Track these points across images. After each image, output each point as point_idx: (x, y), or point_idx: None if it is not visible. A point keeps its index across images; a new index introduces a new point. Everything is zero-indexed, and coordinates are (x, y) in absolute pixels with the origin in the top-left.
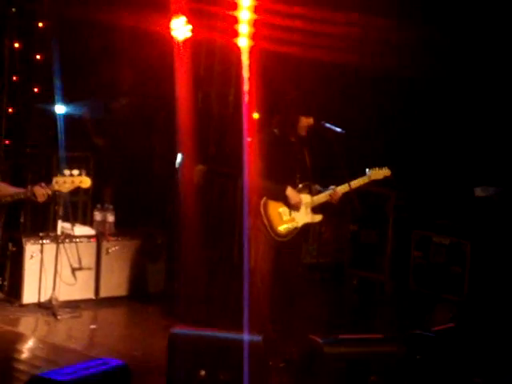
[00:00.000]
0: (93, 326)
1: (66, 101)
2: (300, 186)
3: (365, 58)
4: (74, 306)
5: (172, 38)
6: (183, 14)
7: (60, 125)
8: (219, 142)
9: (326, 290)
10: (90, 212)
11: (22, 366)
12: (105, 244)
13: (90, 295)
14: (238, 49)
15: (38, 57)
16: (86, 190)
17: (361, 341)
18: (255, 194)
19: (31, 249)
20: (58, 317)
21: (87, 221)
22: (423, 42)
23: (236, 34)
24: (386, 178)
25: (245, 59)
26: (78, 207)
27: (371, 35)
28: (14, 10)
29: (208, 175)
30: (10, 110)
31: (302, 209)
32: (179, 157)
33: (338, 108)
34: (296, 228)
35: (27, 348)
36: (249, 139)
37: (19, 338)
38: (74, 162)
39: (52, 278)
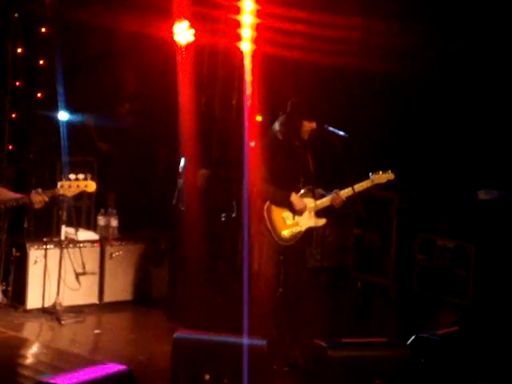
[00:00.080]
0: (97, 331)
1: (70, 109)
2: (303, 190)
3: (367, 62)
4: (77, 310)
5: (175, 42)
6: (186, 18)
7: (63, 130)
8: (222, 145)
9: (330, 293)
10: (93, 217)
11: (26, 372)
12: (108, 249)
13: (94, 300)
14: (241, 53)
15: (41, 62)
16: (89, 195)
17: (365, 344)
18: (259, 199)
19: (35, 254)
20: (62, 322)
21: (91, 225)
22: (426, 45)
23: (239, 38)
24: (389, 182)
25: (247, 63)
26: (82, 212)
27: (373, 39)
28: (16, 15)
29: (211, 179)
30: (14, 115)
31: (306, 213)
32: (182, 161)
33: (341, 111)
34: (300, 232)
35: (31, 353)
36: (252, 144)
37: (23, 343)
38: (77, 166)
39: (56, 283)
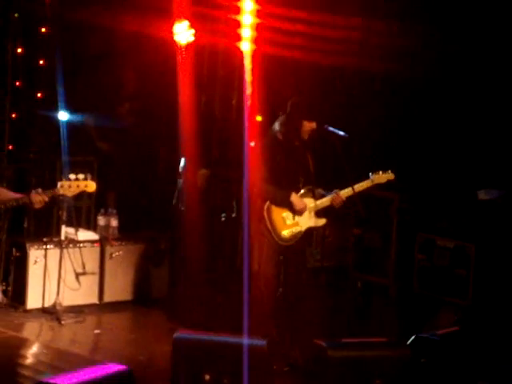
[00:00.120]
0: (97, 331)
1: (70, 109)
2: (303, 190)
3: (367, 62)
4: (77, 310)
5: (175, 42)
6: (186, 18)
7: (63, 130)
8: (222, 145)
9: (330, 293)
10: (93, 217)
11: (26, 372)
12: (108, 249)
13: (94, 300)
14: (241, 53)
15: (41, 62)
16: (89, 195)
17: (365, 344)
18: (259, 199)
19: (35, 254)
20: (62, 322)
21: (91, 225)
22: (426, 45)
23: (239, 37)
24: (389, 182)
25: (247, 63)
26: (82, 212)
27: (373, 39)
28: (16, 15)
29: (211, 179)
30: (14, 115)
31: (306, 213)
32: (182, 161)
33: (341, 111)
34: (300, 232)
35: (31, 353)
36: (252, 144)
37: (23, 343)
38: (77, 166)
39: (56, 283)
